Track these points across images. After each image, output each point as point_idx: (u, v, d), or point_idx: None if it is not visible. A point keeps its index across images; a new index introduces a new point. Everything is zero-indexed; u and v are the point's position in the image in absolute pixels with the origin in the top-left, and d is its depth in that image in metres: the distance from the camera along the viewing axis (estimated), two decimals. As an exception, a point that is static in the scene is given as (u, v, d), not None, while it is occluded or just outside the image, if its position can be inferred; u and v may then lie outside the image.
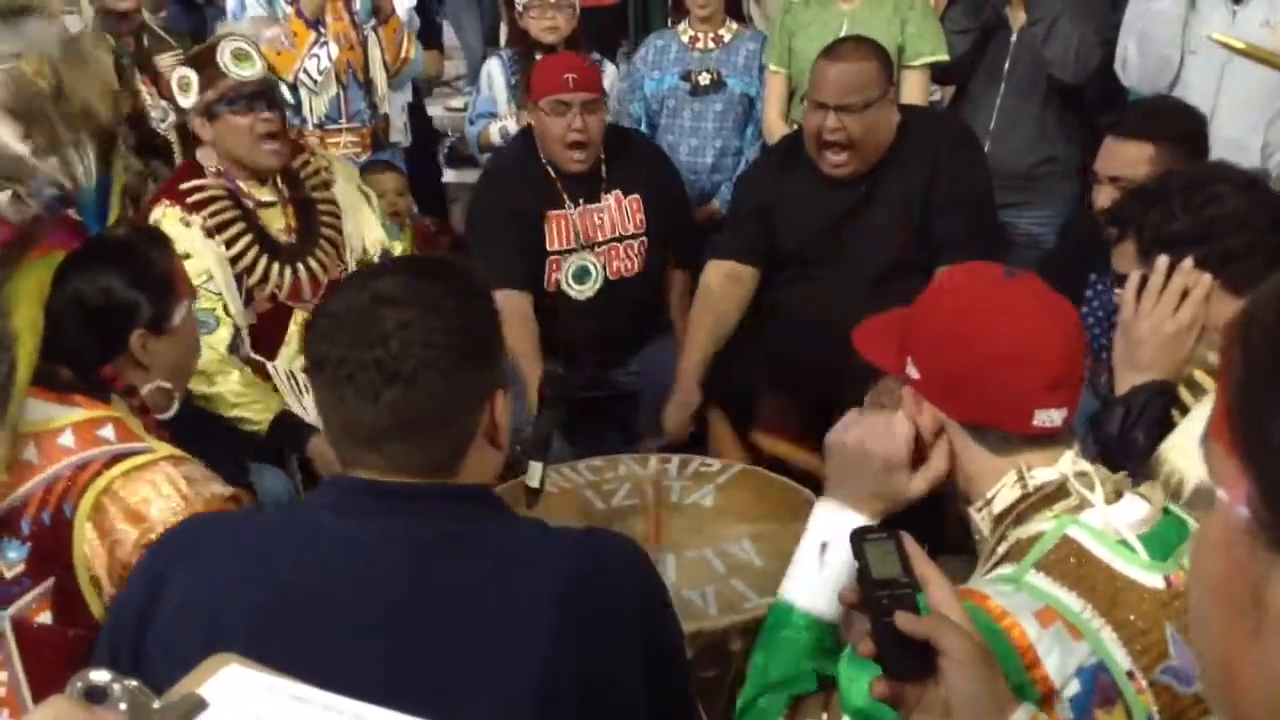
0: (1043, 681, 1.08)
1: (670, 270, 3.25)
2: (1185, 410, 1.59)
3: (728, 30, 3.69)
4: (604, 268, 3.12)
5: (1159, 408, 1.62)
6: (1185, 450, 1.46)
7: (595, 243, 3.10)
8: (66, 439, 1.50)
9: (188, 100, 2.61)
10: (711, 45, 3.67)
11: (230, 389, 2.50)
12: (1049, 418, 1.24)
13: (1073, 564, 1.17)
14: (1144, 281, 1.67)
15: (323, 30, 3.45)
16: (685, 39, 3.70)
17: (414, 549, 1.18)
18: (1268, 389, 0.56)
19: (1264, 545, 0.56)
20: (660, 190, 3.19)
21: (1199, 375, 1.61)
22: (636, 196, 3.13)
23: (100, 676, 0.66)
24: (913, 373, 1.31)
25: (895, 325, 1.36)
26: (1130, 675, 1.12)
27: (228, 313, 2.58)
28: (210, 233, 2.58)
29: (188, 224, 2.55)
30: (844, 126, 2.76)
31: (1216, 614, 0.60)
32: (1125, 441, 1.62)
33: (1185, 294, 1.64)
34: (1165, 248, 1.66)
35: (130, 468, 1.48)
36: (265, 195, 2.67)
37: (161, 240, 1.74)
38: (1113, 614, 1.14)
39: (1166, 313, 1.64)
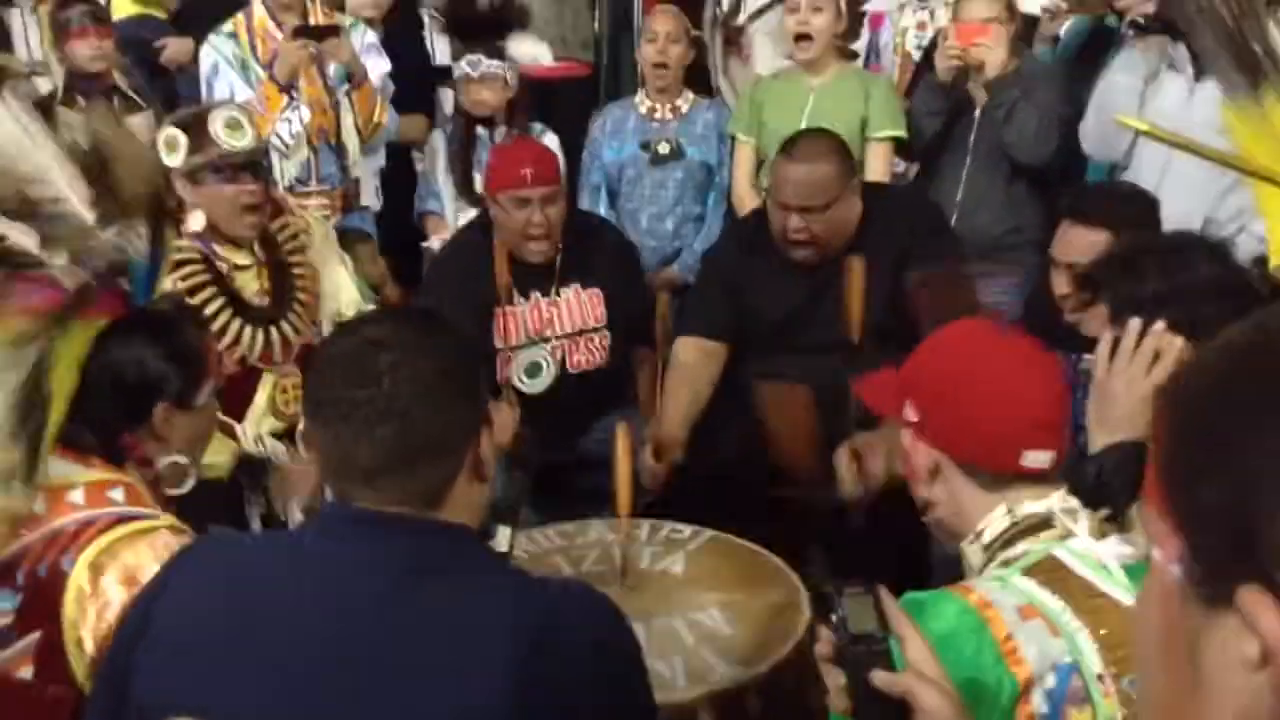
0: (1021, 670, 1.14)
1: (636, 350, 3.24)
2: None
3: (685, 101, 3.76)
4: (559, 361, 3.10)
5: (1132, 467, 1.65)
6: None
7: (548, 336, 3.08)
8: (76, 496, 1.52)
9: (174, 161, 2.61)
10: (669, 116, 3.73)
11: None
12: (1037, 459, 1.35)
13: (1056, 574, 1.25)
14: (1116, 343, 1.71)
15: (295, 94, 3.47)
16: (643, 110, 3.76)
17: (385, 576, 1.23)
18: (1191, 452, 0.59)
19: (1195, 602, 0.58)
20: (623, 283, 3.17)
21: None
22: (597, 290, 3.11)
23: None
24: (911, 415, 1.43)
25: (894, 374, 1.49)
26: (1100, 678, 1.18)
27: None
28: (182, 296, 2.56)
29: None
30: (807, 226, 2.79)
31: (1157, 667, 0.62)
32: (1097, 503, 1.65)
33: (1158, 356, 1.67)
34: (1138, 311, 1.71)
35: (134, 531, 1.49)
36: (241, 259, 2.68)
37: (200, 320, 1.78)
38: (1090, 618, 1.21)
39: (1139, 373, 1.68)
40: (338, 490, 1.30)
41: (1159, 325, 1.68)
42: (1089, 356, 1.82)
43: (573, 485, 3.13)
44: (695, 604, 2.25)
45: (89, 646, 1.45)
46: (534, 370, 3.09)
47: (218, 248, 2.65)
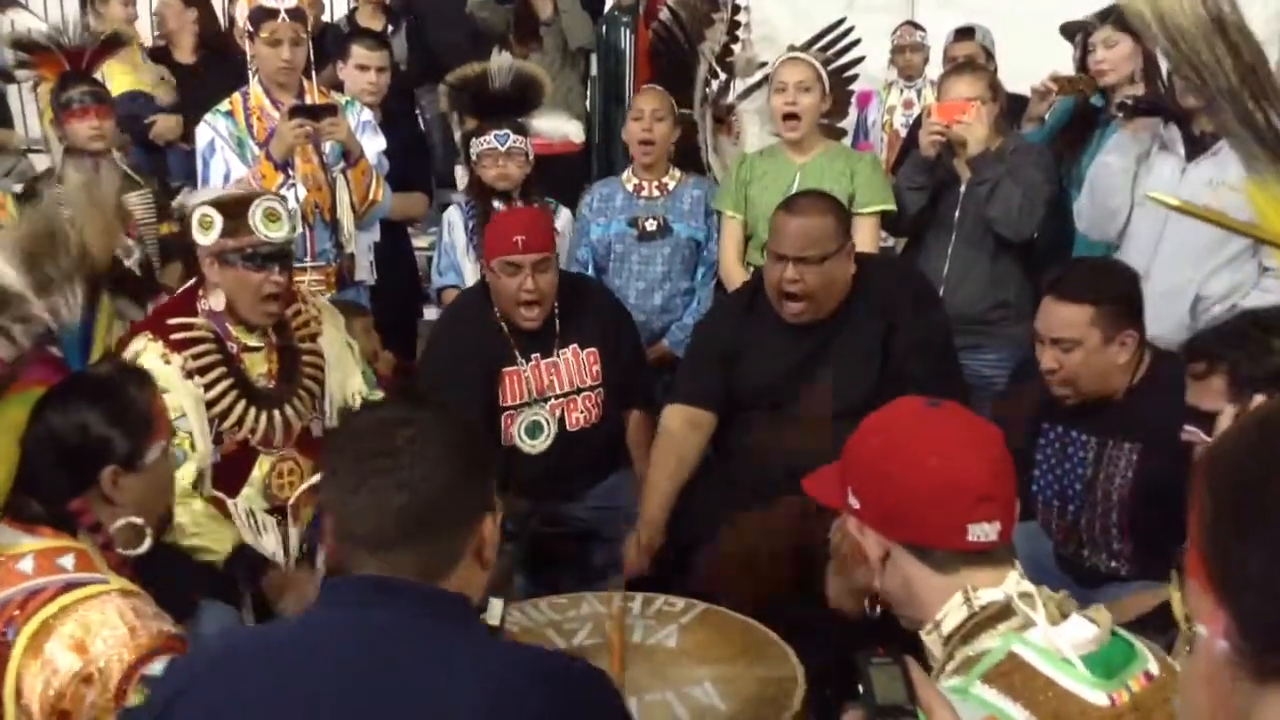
0: None
1: (626, 411, 3.27)
2: None
3: (671, 178, 3.82)
4: (558, 420, 3.14)
5: None
6: None
7: (548, 396, 3.13)
8: (25, 565, 1.51)
9: (205, 240, 2.63)
10: (656, 193, 3.79)
11: (190, 519, 2.49)
12: (982, 532, 1.32)
13: (1017, 679, 1.22)
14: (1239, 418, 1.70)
15: (291, 172, 3.51)
16: (630, 187, 3.82)
17: (370, 641, 1.27)
18: (1233, 524, 0.59)
19: (1245, 676, 0.57)
20: (616, 341, 3.23)
21: None
22: (594, 350, 3.17)
23: None
24: (854, 503, 1.41)
25: (835, 465, 1.47)
26: None
27: (193, 448, 2.57)
28: (190, 375, 2.59)
29: (168, 361, 2.57)
30: (802, 278, 2.83)
31: None
32: None
33: None
34: (1260, 386, 1.71)
35: (82, 596, 1.48)
36: (252, 340, 2.71)
37: (143, 379, 1.77)
38: None
39: None
40: (344, 559, 1.33)
41: None
42: (1193, 430, 1.81)
43: (566, 557, 3.13)
44: (688, 678, 2.24)
45: (36, 714, 1.43)
46: (534, 430, 3.13)
47: (230, 327, 2.68)
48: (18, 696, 1.44)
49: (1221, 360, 1.82)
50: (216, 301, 2.66)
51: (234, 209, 2.63)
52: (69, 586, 1.49)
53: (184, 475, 2.50)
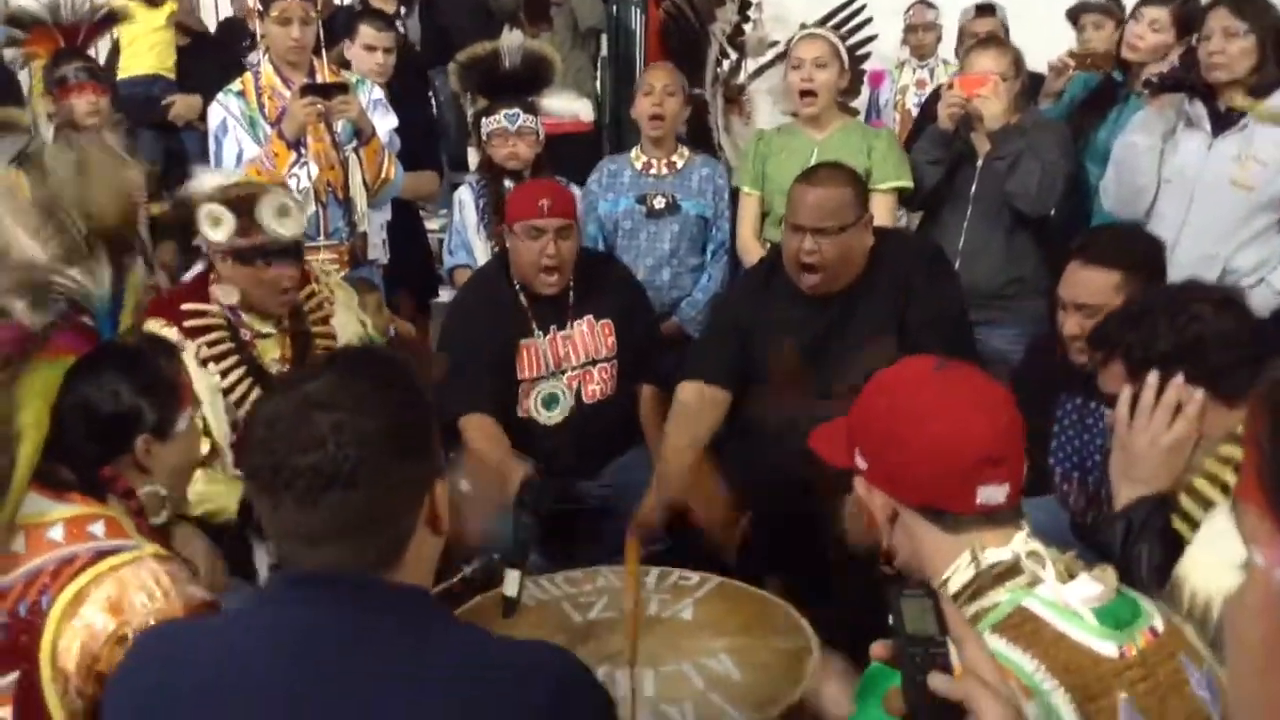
0: None
1: (640, 385, 3.27)
2: (1187, 518, 1.61)
3: (680, 156, 3.80)
4: (574, 393, 3.15)
5: (1160, 519, 1.65)
6: (1205, 568, 1.49)
7: (565, 369, 3.14)
8: (56, 533, 1.51)
9: (216, 236, 2.62)
10: (665, 171, 3.77)
11: (192, 490, 2.47)
12: (991, 494, 1.31)
13: (1027, 629, 1.21)
14: (1135, 398, 1.71)
15: (303, 151, 3.51)
16: (638, 165, 3.80)
17: (333, 642, 1.17)
18: None
19: None
20: (631, 314, 3.24)
21: (1199, 483, 1.63)
22: (608, 321, 3.19)
23: None
24: (861, 464, 1.40)
25: (843, 422, 1.46)
26: None
27: (208, 433, 2.57)
28: (204, 362, 2.59)
29: (182, 348, 2.55)
30: (820, 249, 2.82)
31: (1259, 679, 0.59)
32: (1129, 558, 1.64)
33: (1178, 408, 1.67)
34: (1154, 366, 1.71)
35: (117, 564, 1.48)
36: (265, 328, 2.71)
37: (169, 349, 1.80)
38: (1064, 677, 1.17)
39: (1161, 427, 1.68)
40: (284, 554, 1.23)
41: (1178, 378, 1.69)
42: (1110, 412, 1.82)
43: (582, 532, 3.13)
44: (704, 650, 2.24)
45: (73, 678, 1.44)
46: (551, 402, 3.13)
47: (244, 315, 2.68)
48: (54, 660, 1.44)
49: (1117, 346, 1.82)
50: (229, 295, 2.66)
51: (243, 205, 2.62)
52: (100, 555, 1.49)
53: None
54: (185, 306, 2.63)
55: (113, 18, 4.12)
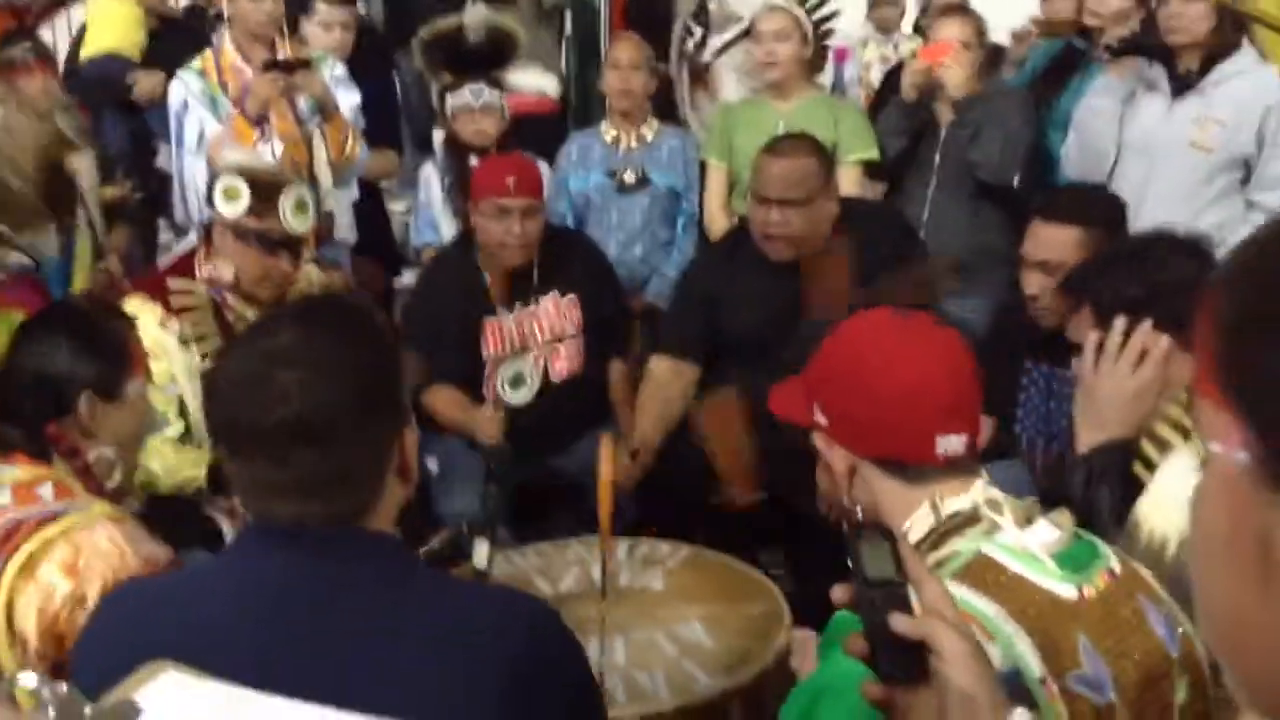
0: None
1: (609, 360, 3.26)
2: (1148, 463, 1.62)
3: (649, 129, 3.78)
4: (542, 371, 3.14)
5: (1121, 464, 1.66)
6: (1163, 508, 1.50)
7: (529, 346, 3.12)
8: (3, 497, 1.50)
9: (228, 210, 2.59)
10: (634, 145, 3.75)
11: (161, 461, 2.47)
12: (949, 445, 1.30)
13: (988, 576, 1.21)
14: (1102, 345, 1.72)
15: (266, 128, 3.47)
16: (608, 139, 3.78)
17: (298, 591, 1.16)
18: (1256, 328, 0.58)
19: (1267, 485, 0.56)
20: (596, 288, 3.23)
21: (1161, 429, 1.65)
22: (573, 296, 3.17)
23: (29, 681, 0.64)
24: (820, 419, 1.39)
25: (801, 380, 1.44)
26: (1043, 681, 1.14)
27: (183, 415, 2.56)
28: (185, 341, 2.57)
29: (164, 326, 2.55)
30: (787, 220, 2.83)
31: (1223, 570, 0.60)
32: (1090, 502, 1.65)
33: (1144, 354, 1.68)
34: (1121, 311, 1.72)
35: (69, 525, 1.48)
36: (250, 312, 2.68)
37: (119, 314, 1.78)
38: (1024, 620, 1.18)
39: (1126, 372, 1.69)
40: (253, 507, 1.22)
41: (1146, 324, 1.69)
42: (1079, 360, 1.83)
43: (550, 507, 3.13)
44: (676, 617, 2.25)
45: (32, 640, 1.43)
46: (517, 381, 3.12)
47: (229, 296, 2.66)
48: (10, 623, 1.43)
49: (1086, 293, 1.84)
50: (225, 271, 2.64)
51: (266, 189, 2.60)
52: (51, 518, 1.48)
53: (160, 437, 2.48)
54: (171, 284, 2.61)
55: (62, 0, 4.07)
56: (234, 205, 2.59)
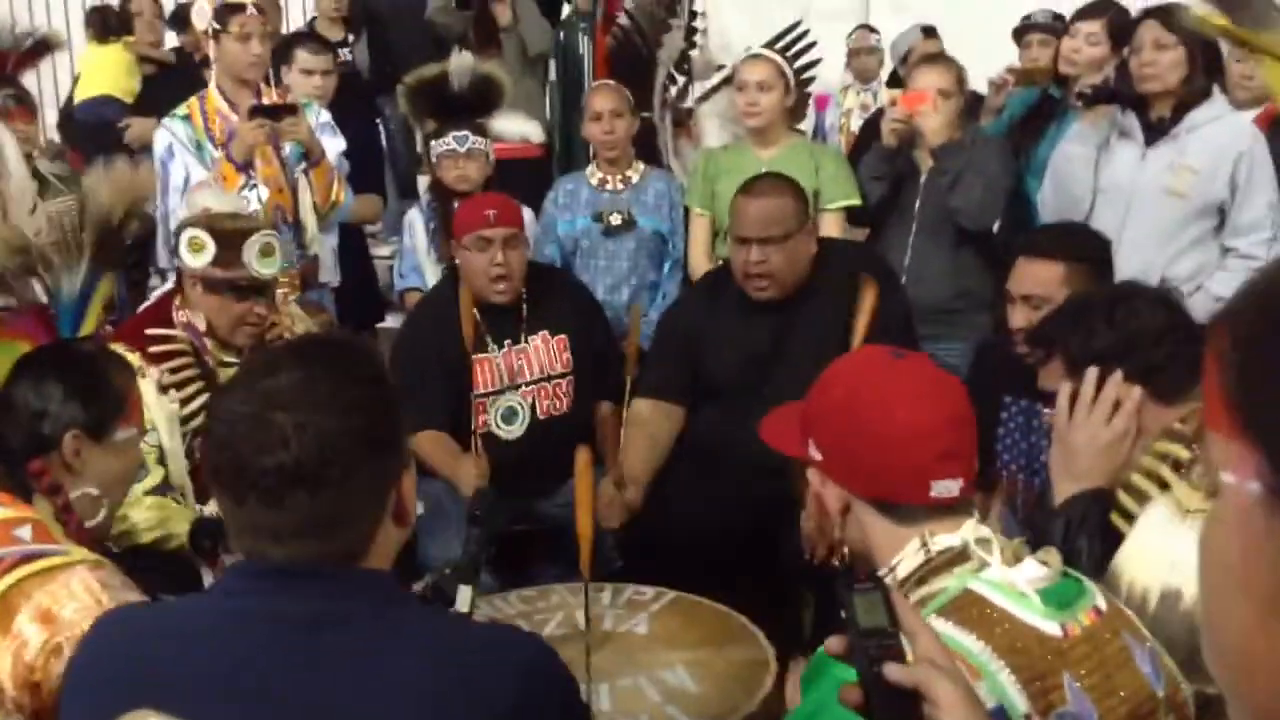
0: None
1: (596, 403, 3.27)
2: (1126, 514, 1.63)
3: (635, 171, 3.82)
4: (531, 407, 3.14)
5: (1099, 514, 1.67)
6: (1142, 559, 1.50)
7: (521, 383, 3.13)
8: None
9: (194, 262, 2.60)
10: (620, 186, 3.79)
11: (142, 515, 2.45)
12: (945, 488, 1.31)
13: (973, 612, 1.22)
14: (1075, 395, 1.73)
15: (252, 174, 3.48)
16: (594, 181, 3.82)
17: (290, 627, 1.15)
18: (1269, 356, 0.58)
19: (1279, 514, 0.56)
20: (585, 328, 3.25)
21: (1137, 480, 1.66)
22: (563, 336, 3.20)
23: None
24: (815, 454, 1.39)
25: (796, 412, 1.44)
26: (1028, 718, 1.15)
27: (162, 463, 2.55)
28: (166, 389, 2.57)
29: (144, 374, 2.52)
30: (767, 258, 2.86)
31: (1234, 601, 0.59)
32: (1069, 554, 1.66)
33: (1117, 405, 1.70)
34: (1092, 363, 1.73)
35: (45, 567, 1.45)
36: (228, 357, 2.69)
37: (124, 364, 1.79)
38: (1010, 657, 1.18)
39: (1100, 422, 1.70)
40: (245, 548, 1.20)
41: (1117, 375, 1.71)
42: (1049, 411, 1.85)
43: (535, 553, 3.12)
44: (660, 663, 2.24)
45: (8, 688, 1.41)
46: (510, 416, 3.14)
47: (209, 342, 2.67)
48: None
49: (1055, 344, 1.86)
50: (198, 320, 2.65)
51: (229, 238, 2.60)
52: (26, 559, 1.46)
53: (142, 486, 2.46)
54: (149, 332, 2.61)
55: (45, 46, 4.09)
56: (200, 257, 2.60)
